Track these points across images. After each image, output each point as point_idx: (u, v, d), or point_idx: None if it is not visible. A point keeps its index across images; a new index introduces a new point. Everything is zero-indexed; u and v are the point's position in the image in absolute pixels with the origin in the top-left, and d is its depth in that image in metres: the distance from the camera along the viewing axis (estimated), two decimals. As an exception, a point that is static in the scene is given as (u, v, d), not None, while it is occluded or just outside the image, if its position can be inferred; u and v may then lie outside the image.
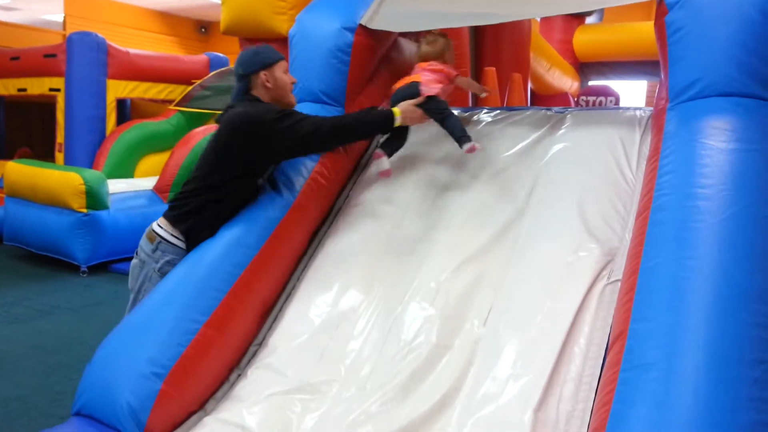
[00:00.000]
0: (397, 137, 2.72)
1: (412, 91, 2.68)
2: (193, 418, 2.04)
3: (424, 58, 2.83)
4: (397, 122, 2.58)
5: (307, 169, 2.62)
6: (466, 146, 2.57)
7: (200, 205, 2.39)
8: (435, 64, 2.78)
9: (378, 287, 2.39)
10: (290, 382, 2.11)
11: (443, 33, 2.88)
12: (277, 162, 2.57)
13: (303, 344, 2.24)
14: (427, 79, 2.71)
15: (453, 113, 2.68)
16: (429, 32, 2.92)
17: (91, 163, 6.36)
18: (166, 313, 2.13)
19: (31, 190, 5.66)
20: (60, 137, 6.56)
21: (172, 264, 2.35)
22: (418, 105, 2.64)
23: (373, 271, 2.44)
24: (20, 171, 5.82)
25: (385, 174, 2.64)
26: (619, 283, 1.98)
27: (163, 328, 2.08)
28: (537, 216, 2.38)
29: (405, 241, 2.52)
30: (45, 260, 5.68)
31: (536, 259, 2.19)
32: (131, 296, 2.45)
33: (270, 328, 2.36)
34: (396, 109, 2.59)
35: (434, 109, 2.66)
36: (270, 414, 1.99)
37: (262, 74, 2.45)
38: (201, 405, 2.09)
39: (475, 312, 2.15)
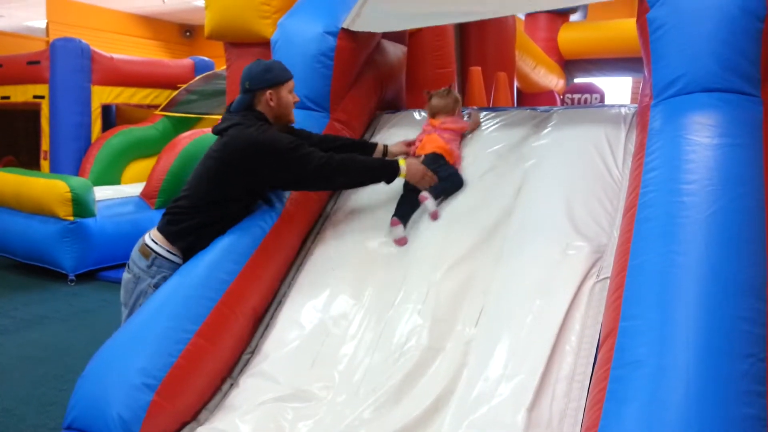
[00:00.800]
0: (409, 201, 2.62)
1: (439, 165, 2.65)
2: (186, 429, 2.02)
3: (435, 113, 2.83)
4: (401, 173, 2.52)
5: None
6: (430, 204, 2.54)
7: (200, 223, 2.39)
8: (448, 122, 2.79)
9: (368, 292, 2.39)
10: (283, 388, 2.10)
11: (452, 88, 2.90)
12: (281, 188, 2.56)
13: (295, 350, 2.23)
14: (452, 149, 2.72)
15: (457, 178, 2.66)
16: (441, 89, 2.92)
17: (77, 170, 6.30)
18: (156, 324, 2.11)
19: (16, 198, 5.61)
20: (45, 145, 6.50)
21: (167, 279, 2.33)
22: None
23: (363, 275, 2.43)
24: (5, 180, 5.76)
25: (434, 215, 2.55)
26: (608, 281, 1.99)
27: (154, 338, 2.06)
28: (525, 215, 2.39)
29: (394, 245, 2.52)
30: (32, 269, 5.63)
31: (525, 259, 2.20)
32: (125, 311, 2.44)
33: (262, 335, 2.35)
34: (402, 162, 2.54)
35: (445, 176, 2.64)
36: (263, 422, 1.98)
37: (268, 93, 2.44)
38: (194, 416, 2.07)
39: (466, 314, 2.15)
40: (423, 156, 2.70)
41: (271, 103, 2.46)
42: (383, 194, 2.71)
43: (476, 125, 2.92)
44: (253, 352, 2.29)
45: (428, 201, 2.54)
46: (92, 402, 1.98)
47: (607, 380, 1.54)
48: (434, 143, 2.73)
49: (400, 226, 2.55)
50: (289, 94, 2.50)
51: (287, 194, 2.58)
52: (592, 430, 1.47)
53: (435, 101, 2.84)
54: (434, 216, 2.54)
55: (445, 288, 2.25)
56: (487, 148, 2.77)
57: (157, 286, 2.34)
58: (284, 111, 2.50)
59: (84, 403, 1.99)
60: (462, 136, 2.85)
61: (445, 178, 2.63)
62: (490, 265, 2.28)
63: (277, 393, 2.08)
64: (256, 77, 2.43)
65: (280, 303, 2.45)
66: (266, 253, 2.41)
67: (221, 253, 2.32)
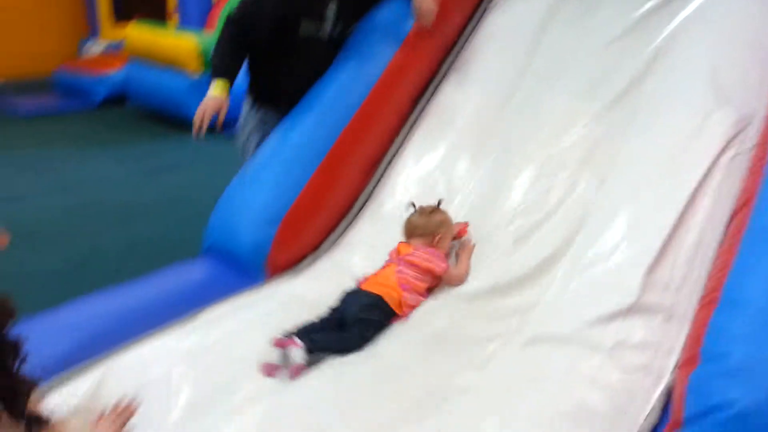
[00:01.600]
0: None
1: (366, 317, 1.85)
2: (308, 259, 2.22)
3: (411, 233, 2.12)
4: (210, 91, 2.31)
5: (405, 26, 2.54)
6: (296, 355, 1.66)
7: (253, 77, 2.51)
8: (417, 254, 2.03)
9: (489, 151, 2.37)
10: (394, 236, 2.18)
11: (442, 209, 2.17)
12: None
13: (410, 199, 2.28)
14: (406, 298, 1.95)
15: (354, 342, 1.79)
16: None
17: (203, 28, 6.52)
18: (274, 166, 2.27)
19: (151, 52, 5.92)
20: (171, 6, 6.72)
21: (267, 122, 2.49)
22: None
23: (484, 134, 2.41)
24: (140, 33, 6.09)
25: (293, 371, 1.67)
26: (750, 152, 1.86)
27: (274, 180, 2.24)
28: (662, 81, 2.22)
29: (518, 105, 2.45)
30: (165, 120, 5.98)
31: (659, 127, 2.06)
32: (242, 152, 2.64)
33: (377, 182, 2.44)
34: (222, 85, 2.29)
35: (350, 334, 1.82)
36: (376, 260, 2.11)
37: None
38: (314, 248, 2.26)
39: (589, 177, 2.11)
40: (366, 292, 1.93)
41: None
42: (512, 51, 2.57)
43: (460, 279, 2.03)
44: (369, 197, 2.40)
45: (292, 349, 1.66)
46: (226, 231, 2.21)
47: (736, 246, 1.49)
48: (384, 284, 1.95)
49: (293, 348, 1.67)
50: None
51: (397, 42, 2.51)
52: (715, 293, 1.44)
53: (414, 219, 2.14)
54: (294, 372, 1.65)
55: (569, 153, 2.21)
56: (621, 12, 2.53)
57: (258, 129, 2.51)
58: None
59: (219, 231, 2.24)
60: (437, 279, 2.04)
61: (341, 338, 1.81)
62: (621, 131, 2.16)
63: (389, 237, 2.17)
64: None
65: (395, 154, 2.50)
66: (380, 97, 2.43)
67: (329, 96, 2.38)
